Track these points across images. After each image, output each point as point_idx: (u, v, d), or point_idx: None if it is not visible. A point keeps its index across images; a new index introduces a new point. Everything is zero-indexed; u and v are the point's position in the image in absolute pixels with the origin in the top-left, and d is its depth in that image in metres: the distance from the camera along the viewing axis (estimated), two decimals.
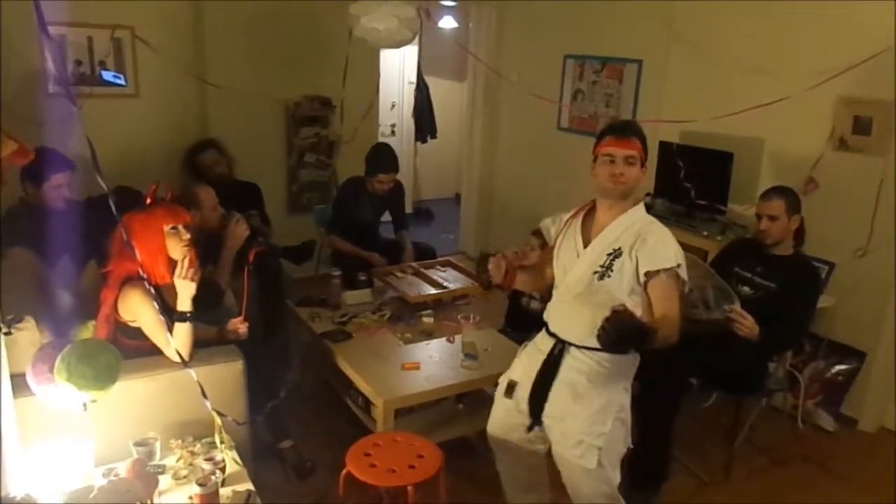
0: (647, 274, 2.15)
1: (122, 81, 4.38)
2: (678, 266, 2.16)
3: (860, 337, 3.61)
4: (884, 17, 3.32)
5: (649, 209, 2.36)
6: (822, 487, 3.15)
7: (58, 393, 1.96)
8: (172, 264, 2.44)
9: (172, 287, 2.44)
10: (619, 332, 1.91)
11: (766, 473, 3.25)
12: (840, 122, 3.55)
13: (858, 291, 3.57)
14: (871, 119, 3.44)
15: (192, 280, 2.40)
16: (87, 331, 2.50)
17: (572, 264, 2.30)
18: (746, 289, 3.10)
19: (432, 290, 3.69)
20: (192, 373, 2.11)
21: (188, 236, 2.48)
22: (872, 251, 3.50)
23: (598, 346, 2.22)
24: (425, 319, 3.45)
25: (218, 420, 2.16)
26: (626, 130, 2.22)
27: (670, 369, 2.83)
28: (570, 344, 2.29)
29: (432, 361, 3.08)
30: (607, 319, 1.91)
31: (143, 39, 4.36)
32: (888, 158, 3.40)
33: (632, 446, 2.41)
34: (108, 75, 4.34)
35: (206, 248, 2.84)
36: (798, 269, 3.07)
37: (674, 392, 2.93)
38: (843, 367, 3.66)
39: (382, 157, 4.14)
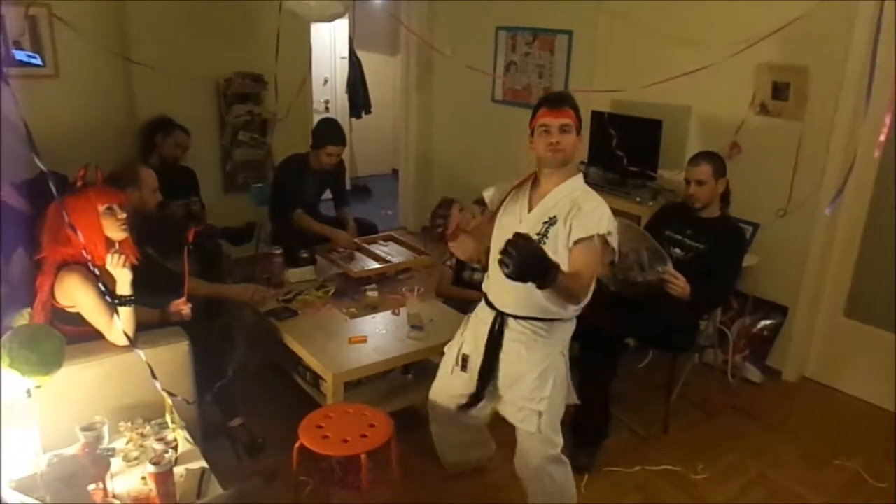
0: (578, 241, 2.20)
1: (37, 61, 4.20)
2: (608, 234, 2.22)
3: (782, 293, 3.82)
4: None
5: (584, 178, 2.43)
6: (752, 435, 3.35)
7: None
8: (111, 245, 2.40)
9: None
10: (520, 254, 1.84)
11: (700, 425, 3.43)
12: (760, 88, 3.72)
13: (780, 250, 3.77)
14: (788, 84, 3.61)
15: (124, 267, 2.37)
16: (23, 319, 2.43)
17: (512, 232, 2.36)
18: (677, 251, 3.23)
19: (375, 265, 3.72)
20: (142, 354, 2.09)
21: (124, 216, 2.44)
22: (792, 211, 3.70)
23: (533, 314, 2.31)
24: (369, 294, 3.47)
25: (168, 400, 2.15)
26: (558, 101, 2.29)
27: (607, 331, 2.95)
28: (508, 315, 2.37)
29: (379, 334, 3.12)
30: (509, 242, 1.86)
31: (60, 17, 4.17)
32: (805, 122, 3.59)
33: (578, 402, 2.51)
34: (21, 55, 4.15)
35: (142, 230, 2.78)
36: (725, 230, 3.22)
37: (611, 353, 3.05)
38: (767, 322, 3.87)
39: (331, 129, 4.10)
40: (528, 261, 1.85)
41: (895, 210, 3.44)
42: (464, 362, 2.52)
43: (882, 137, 2.35)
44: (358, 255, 3.87)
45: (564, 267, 2.23)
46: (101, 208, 2.38)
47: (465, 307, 3.37)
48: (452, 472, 2.89)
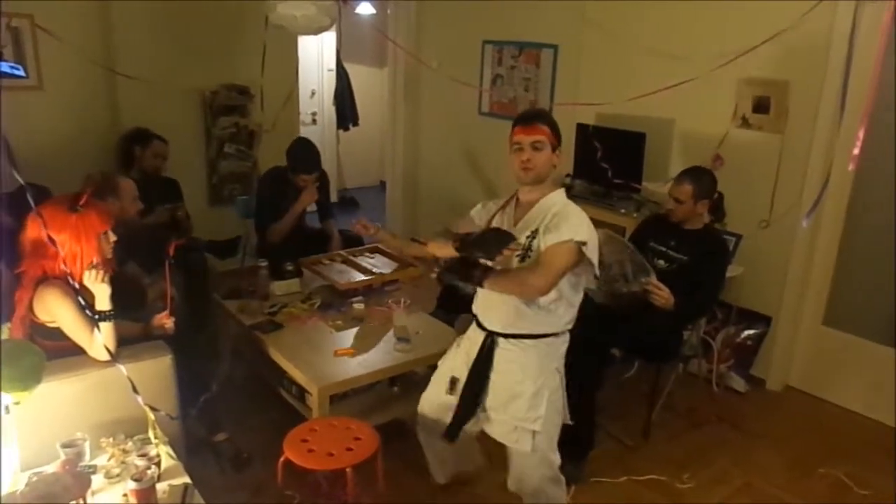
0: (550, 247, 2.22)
1: (21, 73, 4.18)
2: (583, 244, 2.21)
3: (766, 303, 3.86)
4: (779, 2, 3.52)
5: (569, 190, 2.45)
6: (737, 444, 3.37)
7: None
8: (90, 263, 2.36)
9: None
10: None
11: (686, 435, 3.45)
12: (742, 102, 3.77)
13: (763, 260, 3.81)
14: (769, 98, 3.66)
15: (103, 282, 2.34)
16: (2, 334, 2.40)
17: None
18: (661, 262, 3.26)
19: (362, 277, 3.71)
20: (123, 368, 2.07)
21: (115, 238, 2.43)
22: (774, 223, 3.73)
23: (523, 332, 2.31)
24: (356, 306, 3.46)
25: (151, 415, 2.13)
26: (531, 118, 2.31)
27: (592, 343, 2.95)
28: (499, 335, 2.36)
29: None
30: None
31: (44, 28, 4.15)
32: (785, 135, 3.63)
33: (570, 422, 2.50)
34: (4, 66, 4.13)
35: (126, 243, 2.76)
36: (708, 241, 3.24)
37: (597, 364, 3.07)
38: (751, 331, 3.90)
39: (304, 155, 4.00)
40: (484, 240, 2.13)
41: (873, 220, 3.50)
42: (452, 385, 2.49)
43: (856, 151, 2.39)
44: (344, 267, 3.86)
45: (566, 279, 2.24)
46: (101, 233, 2.36)
47: (453, 320, 3.37)
48: (442, 483, 2.86)
